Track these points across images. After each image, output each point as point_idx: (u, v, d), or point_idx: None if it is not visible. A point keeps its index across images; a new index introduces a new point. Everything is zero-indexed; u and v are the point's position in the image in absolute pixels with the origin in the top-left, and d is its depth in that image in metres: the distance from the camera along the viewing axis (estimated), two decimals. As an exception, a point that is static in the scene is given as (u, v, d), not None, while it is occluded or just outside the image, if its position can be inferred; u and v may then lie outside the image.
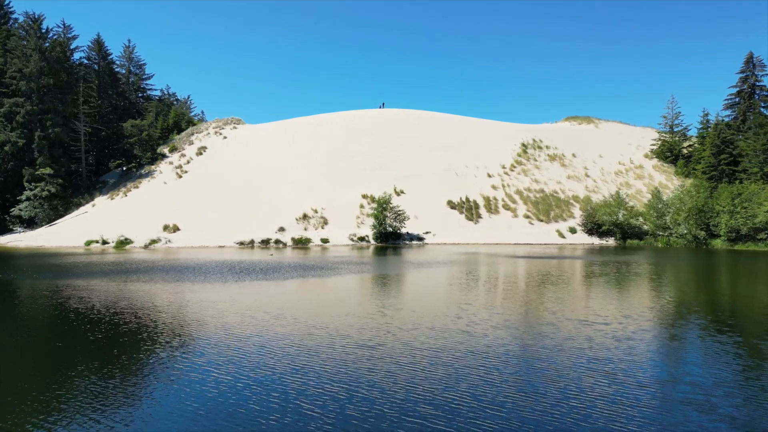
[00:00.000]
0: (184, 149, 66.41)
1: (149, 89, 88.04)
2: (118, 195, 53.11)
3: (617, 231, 38.96)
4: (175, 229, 41.01)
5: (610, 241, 38.93)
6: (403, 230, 40.18)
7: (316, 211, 43.90)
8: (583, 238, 39.58)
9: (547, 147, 54.77)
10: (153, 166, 60.95)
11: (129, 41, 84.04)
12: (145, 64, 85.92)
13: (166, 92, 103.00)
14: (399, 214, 39.78)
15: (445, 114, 69.85)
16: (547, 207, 43.09)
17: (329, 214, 43.68)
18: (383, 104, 76.12)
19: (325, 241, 38.33)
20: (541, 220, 41.80)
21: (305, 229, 41.58)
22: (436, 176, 49.58)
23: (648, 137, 58.56)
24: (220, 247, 36.35)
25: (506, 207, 43.87)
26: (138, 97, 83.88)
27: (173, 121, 79.03)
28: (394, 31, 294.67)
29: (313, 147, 58.53)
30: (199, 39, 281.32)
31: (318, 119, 70.30)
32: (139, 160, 63.40)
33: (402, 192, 46.93)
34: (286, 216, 43.10)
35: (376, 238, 39.35)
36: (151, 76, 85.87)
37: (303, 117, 74.23)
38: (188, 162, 60.46)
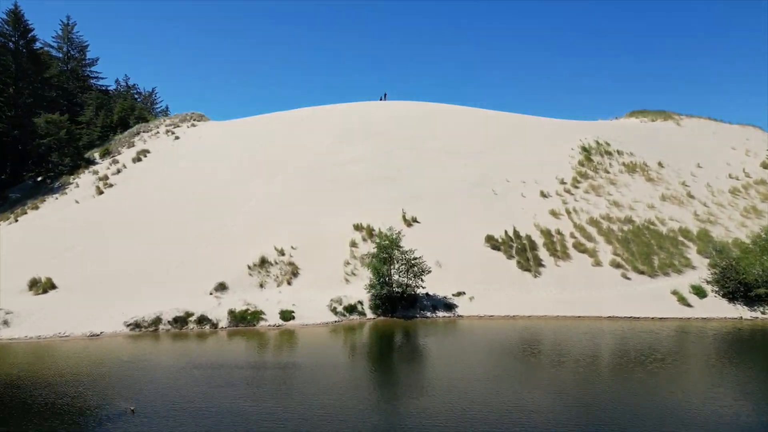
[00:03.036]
0: (120, 153, 51.28)
1: (94, 78, 73.01)
2: (6, 220, 37.87)
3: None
4: (48, 287, 25.91)
5: None
6: (421, 290, 25.04)
7: (282, 253, 28.79)
8: (721, 307, 24.34)
9: (619, 152, 39.58)
10: (72, 177, 45.83)
11: (68, 18, 69.09)
12: (87, 46, 70.91)
13: (124, 83, 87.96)
14: (414, 265, 24.68)
15: (470, 108, 54.69)
16: (645, 248, 27.91)
17: (303, 258, 28.57)
18: (385, 95, 61.24)
19: (287, 316, 23.11)
20: (642, 272, 26.63)
21: (261, 286, 26.43)
22: (465, 196, 34.45)
23: (755, 138, 43.34)
24: (92, 336, 21.14)
25: (580, 247, 28.67)
26: (77, 87, 68.80)
27: (118, 117, 63.99)
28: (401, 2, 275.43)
29: (288, 152, 43.35)
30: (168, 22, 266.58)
31: (298, 115, 55.21)
32: (57, 168, 48.32)
33: (414, 220, 31.77)
34: (235, 261, 28.04)
35: (376, 306, 24.22)
36: (96, 61, 70.83)
37: (281, 112, 59.06)
38: (118, 172, 45.34)
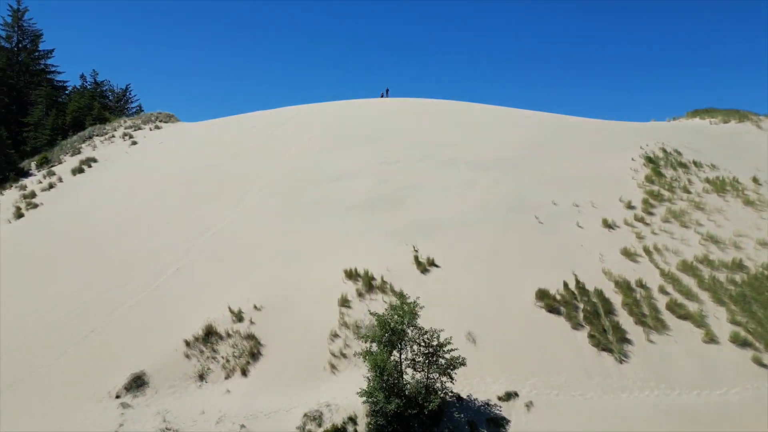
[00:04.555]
0: (61, 162, 42.26)
1: (51, 72, 63.94)
2: None
3: None
4: None
5: None
6: (448, 391, 15.89)
7: (239, 317, 19.91)
8: None
9: (696, 164, 30.52)
10: (-5, 193, 36.80)
11: (18, 2, 59.76)
12: (41, 35, 61.79)
13: (92, 79, 78.71)
14: (438, 353, 15.55)
15: (492, 106, 45.59)
16: (778, 314, 18.66)
17: (269, 326, 19.69)
18: (387, 91, 52.35)
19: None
20: (785, 355, 17.41)
21: (200, 378, 17.54)
22: (499, 225, 25.46)
23: None
24: None
25: (679, 311, 19.73)
26: (27, 82, 59.75)
27: (72, 117, 54.95)
28: None
29: (262, 162, 34.34)
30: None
31: (282, 115, 46.14)
32: (-23, 182, 39.36)
33: (432, 263, 22.78)
34: (166, 333, 19.22)
35: (378, 429, 14.93)
36: (51, 53, 61.75)
37: (261, 111, 49.99)
38: (50, 187, 36.31)
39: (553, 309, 20.00)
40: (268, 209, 28.91)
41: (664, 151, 31.98)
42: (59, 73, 64.11)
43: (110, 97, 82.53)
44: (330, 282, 22.08)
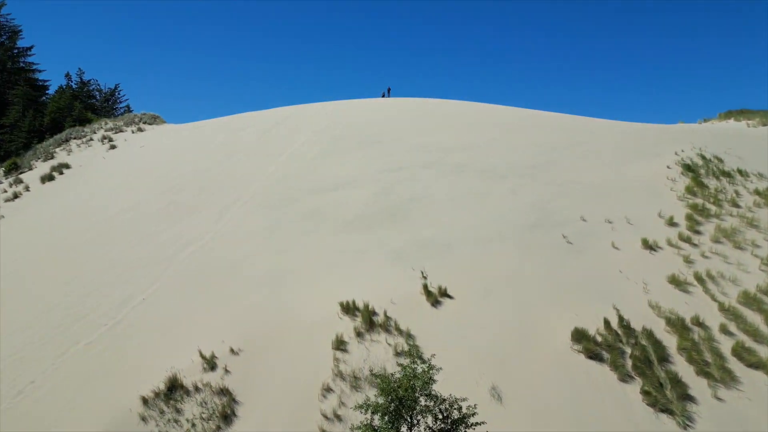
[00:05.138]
0: (31, 168, 38.73)
1: (30, 70, 60.35)
2: None
3: None
4: None
5: None
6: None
7: (211, 365, 16.56)
8: None
9: (742, 173, 27.04)
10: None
11: (-6, -5, 56.17)
12: (20, 32, 58.25)
13: (77, 78, 75.16)
14: (457, 429, 11.89)
15: (503, 107, 42.04)
16: None
17: (247, 375, 16.31)
18: (388, 90, 48.88)
19: None
20: None
21: (157, 453, 13.74)
22: (519, 245, 21.99)
23: None
24: None
25: (749, 358, 16.45)
26: (5, 81, 56.20)
27: (51, 119, 51.40)
28: None
29: (250, 169, 30.87)
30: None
31: (275, 116, 42.60)
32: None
33: (444, 293, 19.30)
34: (121, 387, 15.68)
35: None
36: (30, 50, 58.15)
37: (255, 111, 46.40)
38: (14, 197, 33.08)
39: (593, 354, 16.44)
40: (253, 224, 25.39)
41: (703, 157, 28.44)
42: (40, 71, 60.60)
43: (98, 97, 79.13)
44: (323, 316, 18.58)
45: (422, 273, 20.29)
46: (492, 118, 37.94)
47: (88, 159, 38.88)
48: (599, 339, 16.95)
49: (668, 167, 27.65)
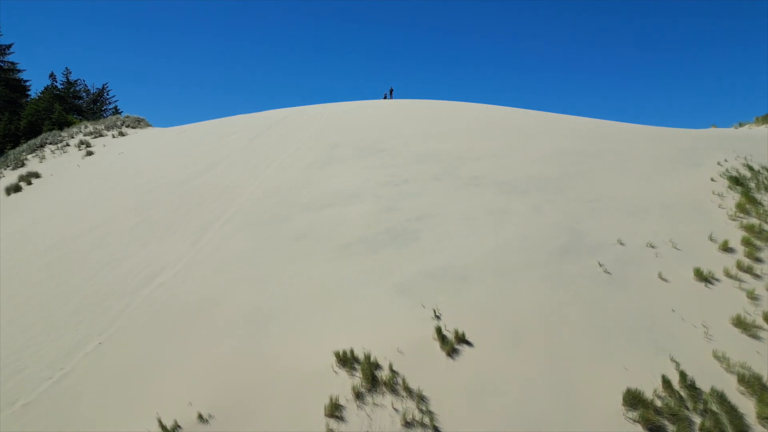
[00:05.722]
0: (1, 176, 35.45)
1: (9, 70, 57.02)
2: None
3: None
4: None
5: None
6: None
7: None
8: None
9: (797, 185, 23.51)
10: None
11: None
12: (-3, 30, 54.91)
13: (63, 78, 71.86)
14: None
15: (515, 109, 38.75)
16: None
17: None
18: (391, 91, 45.37)
19: None
20: None
21: None
22: (548, 276, 18.64)
23: None
24: None
25: None
26: (-20, 82, 52.85)
27: (27, 122, 48.06)
28: None
29: (236, 180, 27.57)
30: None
31: (268, 119, 39.26)
32: None
33: (463, 339, 15.95)
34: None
35: None
36: (9, 48, 54.76)
37: (246, 114, 43.04)
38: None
39: (654, 426, 13.06)
40: (236, 247, 22.04)
41: (750, 168, 25.10)
42: (20, 71, 57.26)
43: (85, 98, 75.91)
44: (314, 370, 15.22)
45: (435, 312, 16.95)
46: (507, 122, 34.61)
47: (61, 167, 35.61)
48: (659, 404, 13.58)
49: (712, 179, 24.29)
